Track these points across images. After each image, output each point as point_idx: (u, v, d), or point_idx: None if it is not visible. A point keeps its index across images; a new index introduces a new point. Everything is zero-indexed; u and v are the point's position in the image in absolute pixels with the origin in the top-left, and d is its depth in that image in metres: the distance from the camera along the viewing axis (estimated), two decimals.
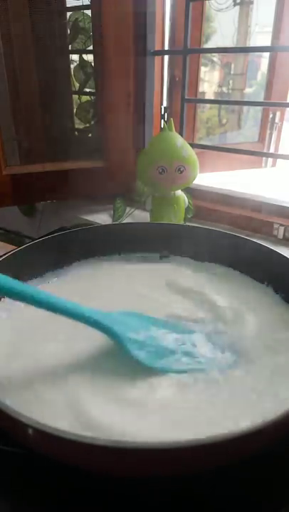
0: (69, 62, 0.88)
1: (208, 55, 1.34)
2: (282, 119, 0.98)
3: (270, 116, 0.98)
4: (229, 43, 1.42)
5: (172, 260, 0.53)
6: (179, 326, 0.38)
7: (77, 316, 0.32)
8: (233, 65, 1.47)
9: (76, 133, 0.95)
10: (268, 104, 0.98)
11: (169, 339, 0.35)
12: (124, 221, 0.76)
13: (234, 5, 1.30)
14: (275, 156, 1.04)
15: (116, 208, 0.77)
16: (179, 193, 0.64)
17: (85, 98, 0.89)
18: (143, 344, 0.33)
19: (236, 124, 1.29)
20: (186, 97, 0.76)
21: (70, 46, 0.86)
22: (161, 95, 0.82)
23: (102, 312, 0.33)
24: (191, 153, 0.60)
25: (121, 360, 0.33)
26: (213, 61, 1.47)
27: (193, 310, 0.43)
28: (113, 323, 0.33)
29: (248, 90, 1.42)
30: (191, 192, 0.71)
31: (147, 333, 0.35)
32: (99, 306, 0.34)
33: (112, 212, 0.78)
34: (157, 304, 0.44)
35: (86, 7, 0.81)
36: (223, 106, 1.38)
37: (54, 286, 0.48)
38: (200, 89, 0.95)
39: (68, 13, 0.83)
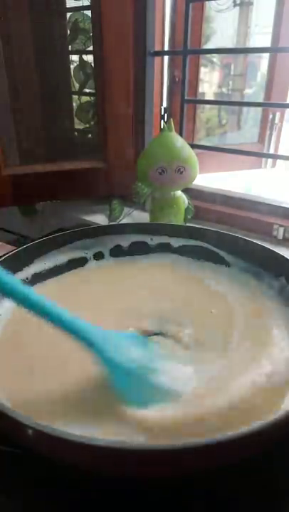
0: (69, 62, 0.88)
1: (208, 55, 1.34)
2: (281, 120, 0.98)
3: (270, 116, 0.98)
4: (229, 43, 1.42)
5: (173, 259, 0.54)
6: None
7: (71, 329, 0.27)
8: (232, 66, 1.47)
9: (76, 133, 0.95)
10: (267, 105, 0.98)
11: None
12: (122, 221, 0.76)
13: (234, 6, 1.30)
14: (274, 157, 1.04)
15: (113, 208, 0.77)
16: (179, 193, 0.64)
17: (84, 98, 0.90)
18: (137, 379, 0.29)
19: (236, 124, 1.29)
20: (186, 98, 0.76)
21: (70, 47, 0.86)
22: (161, 96, 0.82)
23: (99, 329, 0.29)
24: (191, 153, 0.60)
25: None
26: (212, 62, 1.47)
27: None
28: (108, 344, 0.28)
29: (247, 91, 1.42)
30: (191, 192, 0.71)
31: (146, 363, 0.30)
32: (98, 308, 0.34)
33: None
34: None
35: (86, 8, 0.81)
36: (222, 106, 1.38)
37: (53, 286, 0.48)
38: (200, 90, 0.95)
39: (68, 14, 0.83)
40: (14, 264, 0.45)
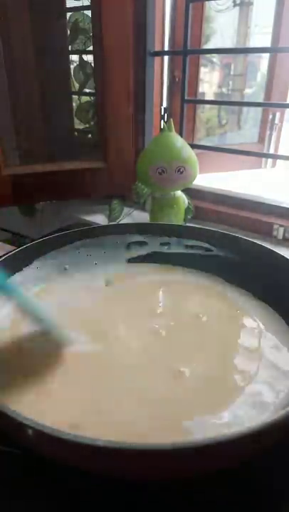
0: (69, 62, 0.88)
1: (208, 55, 1.34)
2: (281, 120, 0.98)
3: (270, 116, 0.98)
4: (229, 43, 1.42)
5: (172, 259, 0.54)
6: None
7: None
8: (232, 66, 1.47)
9: (76, 133, 0.95)
10: (267, 105, 0.98)
11: None
12: (122, 221, 0.76)
13: (234, 6, 1.30)
14: (274, 157, 1.04)
15: (112, 208, 0.77)
16: (179, 193, 0.64)
17: (84, 98, 0.90)
18: None
19: (236, 124, 1.30)
20: (186, 98, 0.76)
21: (70, 47, 0.86)
22: (161, 95, 0.82)
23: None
24: (191, 153, 0.60)
25: None
26: (212, 62, 1.47)
27: None
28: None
29: (247, 91, 1.42)
30: (191, 192, 0.71)
31: None
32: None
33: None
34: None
35: (86, 8, 0.81)
36: (222, 106, 1.38)
37: (54, 286, 0.48)
38: (200, 90, 0.95)
39: (68, 14, 0.83)
40: (14, 264, 0.45)
